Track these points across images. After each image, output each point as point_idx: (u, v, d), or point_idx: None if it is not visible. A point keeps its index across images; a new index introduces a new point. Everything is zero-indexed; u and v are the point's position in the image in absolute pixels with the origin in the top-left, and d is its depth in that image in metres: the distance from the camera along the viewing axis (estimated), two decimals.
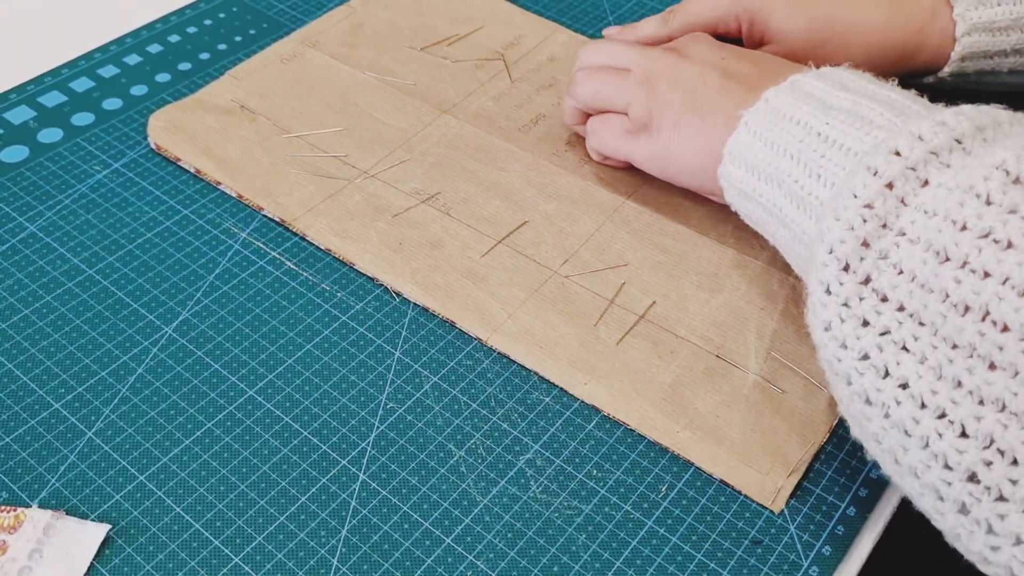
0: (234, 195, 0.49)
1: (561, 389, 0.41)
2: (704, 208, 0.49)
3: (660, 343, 0.43)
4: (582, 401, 0.41)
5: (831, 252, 0.33)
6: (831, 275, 0.33)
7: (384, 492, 0.38)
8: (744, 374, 0.42)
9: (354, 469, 0.38)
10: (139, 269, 0.46)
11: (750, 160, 0.40)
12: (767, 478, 0.38)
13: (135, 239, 0.47)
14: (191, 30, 0.60)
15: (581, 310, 0.44)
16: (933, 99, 0.38)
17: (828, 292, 0.34)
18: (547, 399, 0.41)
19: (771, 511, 0.37)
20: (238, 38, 0.59)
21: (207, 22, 0.61)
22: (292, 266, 0.46)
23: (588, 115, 0.50)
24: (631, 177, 0.51)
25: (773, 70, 0.44)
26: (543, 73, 0.57)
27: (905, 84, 0.40)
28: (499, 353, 0.43)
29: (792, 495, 0.38)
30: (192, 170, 0.51)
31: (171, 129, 0.52)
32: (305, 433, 0.40)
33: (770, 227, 0.41)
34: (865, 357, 0.32)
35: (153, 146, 0.52)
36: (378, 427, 0.40)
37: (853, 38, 0.50)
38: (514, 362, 0.42)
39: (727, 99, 0.43)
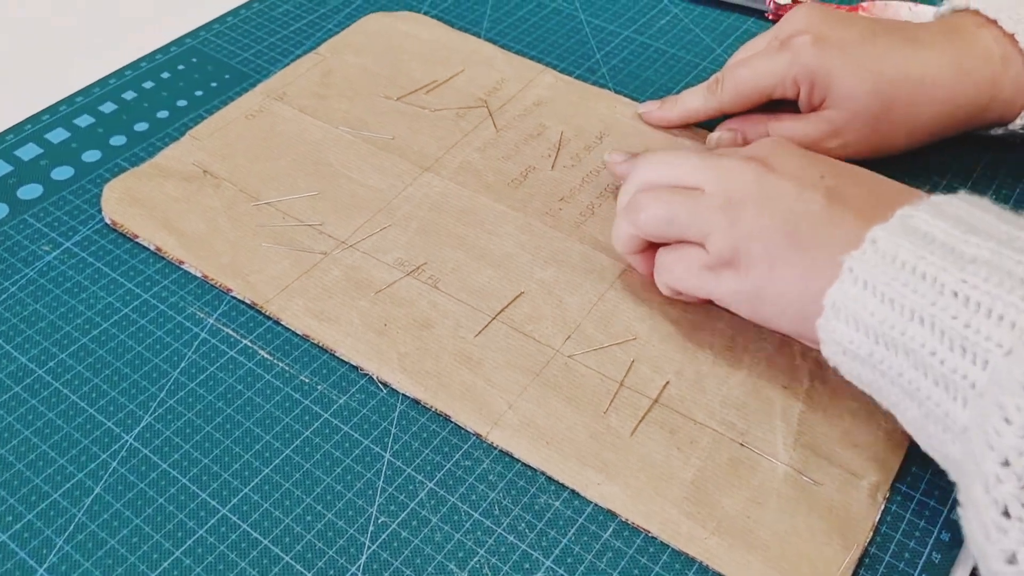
0: (199, 275, 0.45)
1: (572, 491, 0.37)
2: None
3: (678, 431, 0.39)
4: (596, 504, 0.37)
5: (1006, 464, 0.27)
6: (1009, 494, 0.27)
7: None
8: (773, 464, 0.38)
9: None
10: (95, 367, 0.41)
11: (863, 318, 0.33)
12: None
13: (90, 331, 0.42)
14: (147, 85, 0.55)
15: (588, 395, 0.40)
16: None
17: (1007, 515, 0.27)
18: (557, 503, 0.37)
19: None
20: (199, 92, 0.55)
21: (165, 75, 0.56)
22: (266, 356, 0.42)
23: (649, 242, 0.42)
24: None
25: (881, 194, 0.37)
26: (530, 120, 0.53)
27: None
28: (501, 450, 0.38)
29: None
30: (152, 247, 0.46)
31: (127, 201, 0.48)
32: (287, 559, 0.35)
33: (890, 396, 0.34)
34: None
35: (108, 221, 0.47)
36: (369, 547, 0.35)
37: (922, 98, 0.46)
38: (518, 460, 0.38)
39: (835, 232, 0.35)
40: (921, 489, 0.37)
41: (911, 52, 0.46)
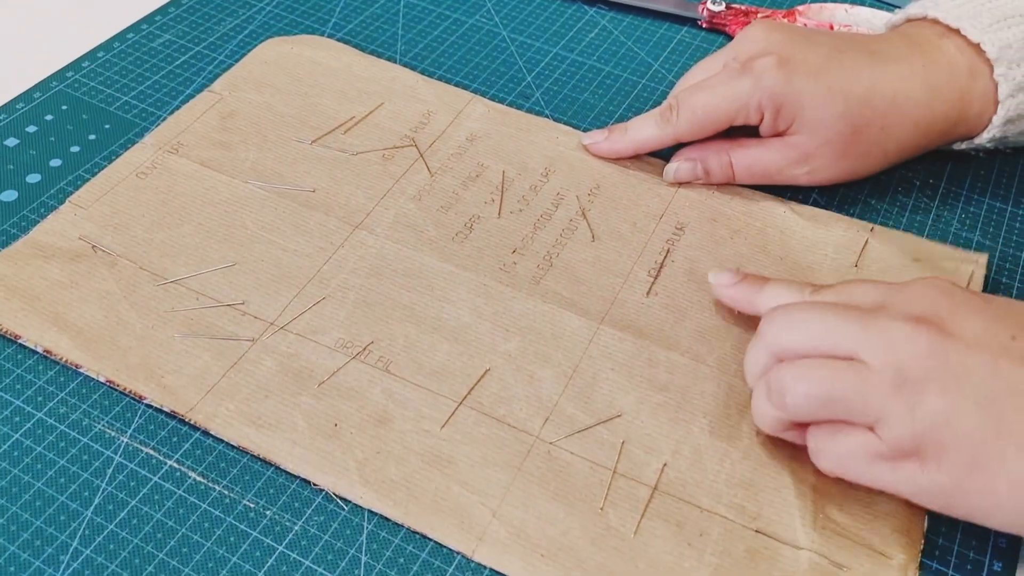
0: (103, 381, 0.38)
1: None
2: (692, 324, 0.41)
3: (685, 524, 0.35)
4: None
5: None
6: None
7: None
8: (794, 552, 0.34)
9: None
10: None
11: None
12: None
13: None
14: (10, 143, 0.47)
15: (579, 489, 0.36)
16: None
17: None
18: None
19: None
20: (75, 148, 0.47)
21: (31, 129, 0.48)
22: (198, 478, 0.35)
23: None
24: (598, 291, 0.42)
25: None
26: (466, 159, 0.48)
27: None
28: (491, 570, 0.33)
29: None
30: (40, 350, 0.38)
31: (2, 292, 0.40)
32: None
33: None
34: None
35: None
36: None
37: (893, 118, 0.43)
38: None
39: None
40: (952, 564, 0.34)
41: (880, 70, 0.43)
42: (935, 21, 0.45)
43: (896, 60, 0.43)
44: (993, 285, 0.43)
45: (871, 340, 0.32)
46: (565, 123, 0.50)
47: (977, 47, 0.43)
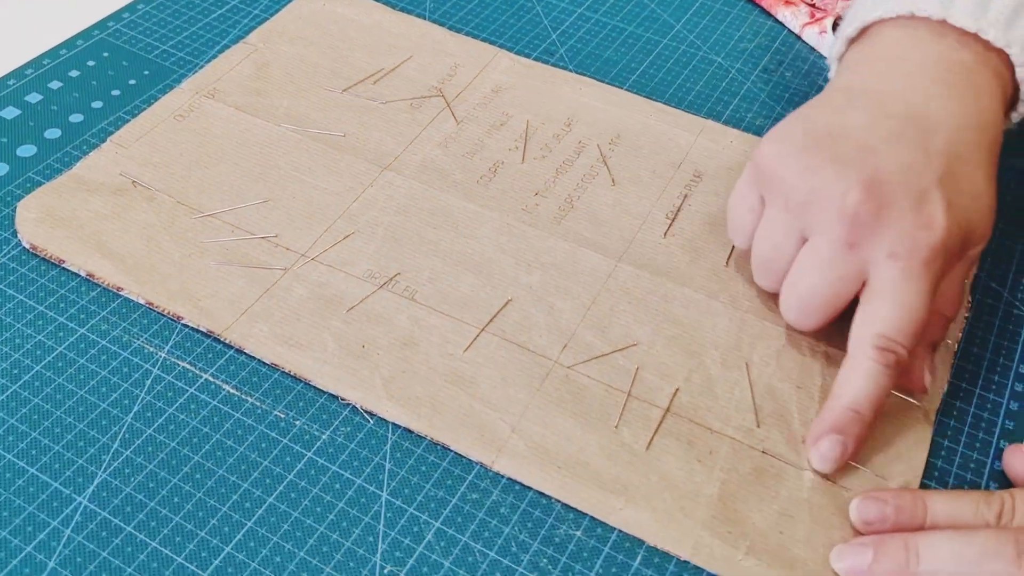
0: (143, 303, 0.40)
1: (593, 518, 0.34)
2: (707, 264, 0.42)
3: (695, 442, 0.36)
4: (621, 531, 0.34)
5: None
6: None
7: None
8: (798, 472, 0.36)
9: None
10: (31, 418, 0.35)
11: None
12: None
13: (19, 376, 0.37)
14: (54, 85, 0.49)
15: (595, 409, 0.37)
16: None
17: None
18: (578, 533, 0.34)
19: None
20: (116, 92, 0.49)
21: (73, 73, 0.50)
22: (232, 391, 0.37)
23: None
24: (618, 231, 0.44)
25: None
26: (491, 109, 0.49)
27: None
28: (510, 479, 0.35)
29: None
30: (83, 273, 0.40)
31: (48, 221, 0.42)
32: None
33: None
34: None
35: (27, 246, 0.41)
36: None
37: (990, 156, 0.38)
38: (530, 488, 0.35)
39: None
40: (950, 485, 0.36)
41: (972, 145, 0.37)
42: (910, 19, 0.40)
43: (954, 99, 0.38)
44: (1002, 237, 0.44)
45: None
46: (588, 77, 0.51)
47: (975, 36, 0.39)
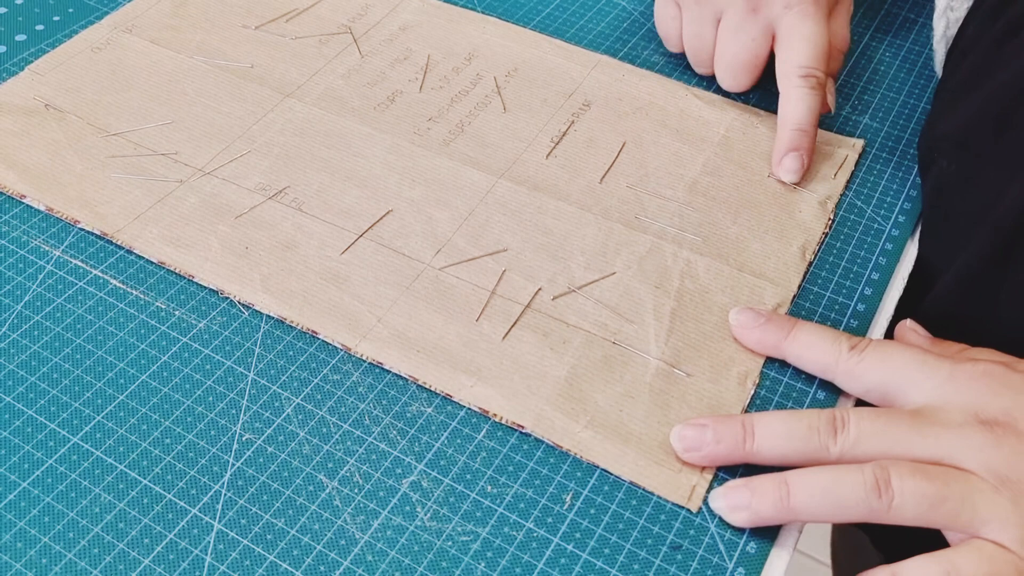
0: (43, 208, 0.42)
1: (444, 396, 0.36)
2: (582, 182, 0.45)
3: (551, 334, 0.39)
4: (469, 408, 0.36)
5: None
6: None
7: (245, 541, 0.32)
8: (645, 359, 0.38)
9: (207, 518, 0.32)
10: None
11: None
12: (680, 476, 0.34)
13: None
14: None
15: (460, 305, 0.39)
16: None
17: None
18: (429, 409, 0.36)
19: (688, 511, 0.33)
20: (39, 26, 0.51)
21: (1, 10, 0.52)
22: (118, 284, 0.39)
23: None
24: (503, 153, 0.46)
25: None
26: (396, 45, 0.52)
27: None
28: (370, 362, 0.37)
29: (709, 490, 0.34)
30: None
31: None
32: (145, 482, 0.33)
33: None
34: None
35: None
36: (233, 464, 0.34)
37: None
38: (388, 371, 0.37)
39: None
40: (788, 373, 0.38)
41: None
42: None
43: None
44: (872, 162, 0.47)
45: (963, 446, 0.32)
46: (494, 17, 0.54)
47: None
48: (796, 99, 0.44)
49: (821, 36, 0.45)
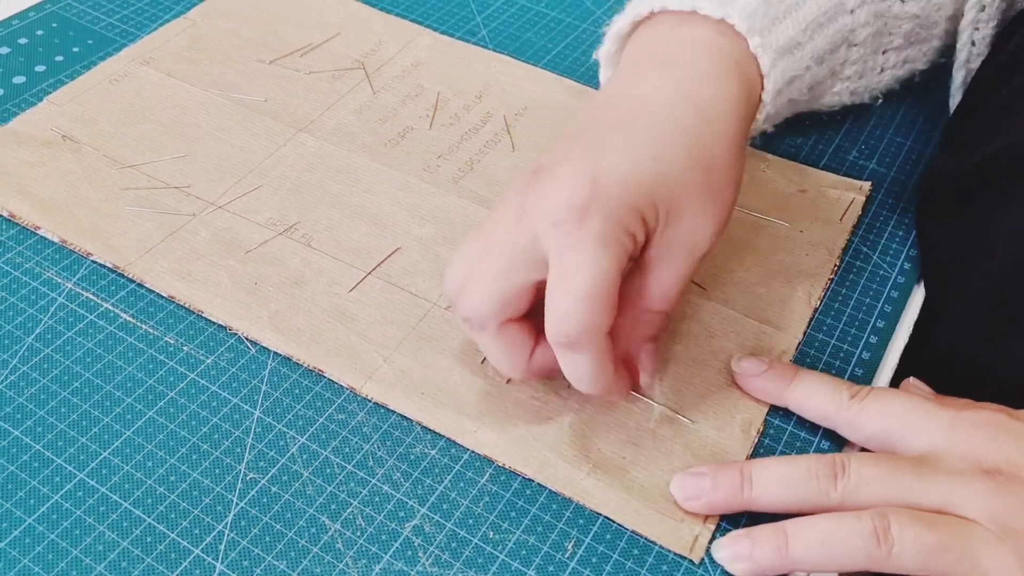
0: (56, 240, 0.43)
1: (448, 439, 0.37)
2: None
3: (557, 379, 0.39)
4: (473, 452, 0.36)
5: None
6: None
7: None
8: (649, 405, 0.38)
9: (209, 559, 0.33)
10: None
11: None
12: (683, 526, 0.34)
13: None
14: (2, 51, 0.52)
15: (465, 346, 0.40)
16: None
17: None
18: (433, 452, 0.36)
19: (691, 561, 0.33)
20: (59, 57, 0.52)
21: (22, 41, 0.53)
22: (128, 319, 0.40)
23: None
24: None
25: None
26: (408, 81, 0.52)
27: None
28: (375, 403, 0.38)
29: (711, 540, 0.34)
30: (5, 214, 0.43)
31: None
32: (149, 520, 0.33)
33: None
34: None
35: None
36: (237, 504, 0.34)
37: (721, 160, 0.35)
38: (393, 412, 0.37)
39: None
40: (793, 421, 0.38)
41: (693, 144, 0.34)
42: (662, 13, 0.38)
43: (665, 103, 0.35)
44: (878, 207, 0.47)
45: (981, 496, 0.32)
46: (505, 55, 0.54)
47: (722, 22, 0.36)
48: (567, 369, 0.33)
49: (584, 285, 0.31)
